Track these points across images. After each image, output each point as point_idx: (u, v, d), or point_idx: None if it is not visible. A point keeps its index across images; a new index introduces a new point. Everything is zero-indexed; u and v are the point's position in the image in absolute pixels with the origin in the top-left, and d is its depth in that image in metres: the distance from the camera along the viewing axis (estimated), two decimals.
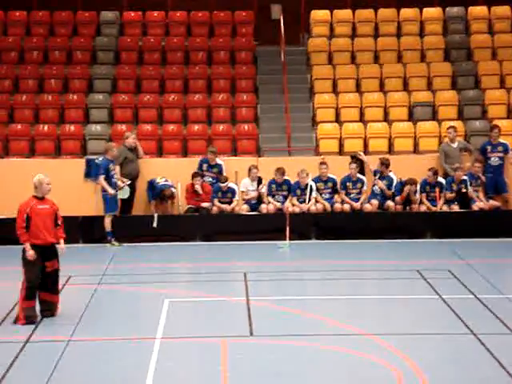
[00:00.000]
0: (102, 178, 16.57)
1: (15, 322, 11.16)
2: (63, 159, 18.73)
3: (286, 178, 17.42)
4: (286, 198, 17.40)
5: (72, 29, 22.05)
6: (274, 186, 17.45)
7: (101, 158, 16.82)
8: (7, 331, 10.86)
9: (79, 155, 18.88)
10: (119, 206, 17.18)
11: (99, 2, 22.56)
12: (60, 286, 11.74)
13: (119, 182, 16.84)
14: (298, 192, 17.42)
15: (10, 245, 13.75)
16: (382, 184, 17.32)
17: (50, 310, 11.41)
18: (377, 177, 17.48)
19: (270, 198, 17.35)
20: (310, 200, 17.30)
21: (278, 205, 17.32)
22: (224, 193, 17.44)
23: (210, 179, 17.63)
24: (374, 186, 17.51)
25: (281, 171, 17.33)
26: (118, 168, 17.05)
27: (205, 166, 17.76)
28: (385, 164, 17.47)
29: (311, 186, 17.34)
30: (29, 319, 11.13)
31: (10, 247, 13.65)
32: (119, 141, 17.96)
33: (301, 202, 17.33)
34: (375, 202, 17.35)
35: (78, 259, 15.73)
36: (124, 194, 16.82)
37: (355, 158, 17.87)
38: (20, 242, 11.27)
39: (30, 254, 11.14)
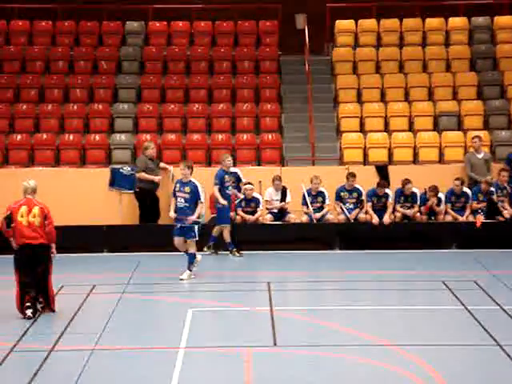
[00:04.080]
0: (216, 188, 16.38)
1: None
2: (88, 168, 18.81)
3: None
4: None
5: (97, 39, 22.18)
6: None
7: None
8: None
9: (104, 164, 18.96)
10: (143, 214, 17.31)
11: (124, 13, 22.69)
12: None
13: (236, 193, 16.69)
14: (309, 199, 17.39)
15: None
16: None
17: None
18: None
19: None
20: (321, 208, 17.27)
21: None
22: (248, 202, 17.42)
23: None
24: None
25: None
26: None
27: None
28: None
29: (322, 193, 17.32)
30: None
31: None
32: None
33: (312, 210, 17.27)
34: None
35: (102, 268, 15.81)
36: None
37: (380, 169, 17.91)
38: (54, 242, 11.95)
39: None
